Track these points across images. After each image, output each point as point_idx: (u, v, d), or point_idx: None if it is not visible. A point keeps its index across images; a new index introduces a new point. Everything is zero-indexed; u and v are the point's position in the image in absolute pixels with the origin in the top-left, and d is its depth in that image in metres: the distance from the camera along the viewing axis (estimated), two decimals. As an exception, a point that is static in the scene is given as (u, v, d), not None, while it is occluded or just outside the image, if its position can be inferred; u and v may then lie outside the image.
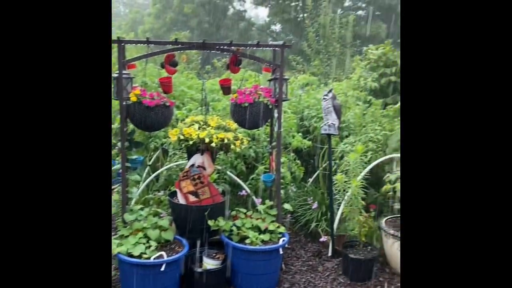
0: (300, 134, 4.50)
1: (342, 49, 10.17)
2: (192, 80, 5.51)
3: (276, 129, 3.42)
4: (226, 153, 3.57)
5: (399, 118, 4.67)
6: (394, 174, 3.20)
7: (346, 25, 10.55)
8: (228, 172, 3.89)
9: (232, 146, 3.27)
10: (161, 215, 3.32)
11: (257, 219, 3.30)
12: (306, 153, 4.68)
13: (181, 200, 3.33)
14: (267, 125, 3.78)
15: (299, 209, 4.07)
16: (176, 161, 3.99)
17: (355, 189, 3.25)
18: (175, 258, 2.84)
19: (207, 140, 3.18)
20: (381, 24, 17.86)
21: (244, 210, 3.40)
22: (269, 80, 3.51)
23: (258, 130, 4.09)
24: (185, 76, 5.73)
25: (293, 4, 20.68)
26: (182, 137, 3.27)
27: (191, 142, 3.22)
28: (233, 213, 3.41)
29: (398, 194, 3.17)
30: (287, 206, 3.69)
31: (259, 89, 3.36)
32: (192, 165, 3.33)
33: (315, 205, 3.91)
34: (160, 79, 3.35)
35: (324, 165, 4.29)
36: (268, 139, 3.84)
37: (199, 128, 3.30)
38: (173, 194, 3.45)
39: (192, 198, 3.31)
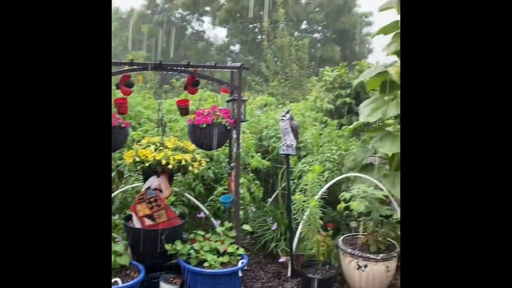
0: (259, 154, 4.53)
1: (299, 70, 10.44)
2: (149, 100, 5.43)
3: (234, 149, 3.43)
4: (183, 174, 3.52)
5: (354, 138, 4.83)
6: (349, 192, 3.27)
7: (303, 47, 10.87)
8: (186, 194, 3.83)
9: (190, 168, 3.23)
10: (116, 240, 3.20)
11: (216, 241, 3.25)
12: (265, 173, 4.70)
13: (136, 223, 3.23)
14: (226, 146, 3.78)
15: (258, 230, 4.05)
16: (131, 184, 3.88)
17: (313, 209, 3.30)
18: (130, 284, 2.73)
19: (163, 162, 3.13)
20: (335, 47, 18.59)
21: (203, 233, 3.34)
22: (228, 101, 3.53)
23: (217, 150, 4.08)
24: (142, 96, 5.63)
25: (251, 26, 21.10)
26: (138, 159, 3.19)
27: (147, 164, 3.15)
28: (191, 236, 3.34)
29: (354, 212, 3.24)
30: (246, 227, 3.68)
31: (217, 110, 3.37)
32: (148, 188, 3.25)
33: (274, 226, 3.92)
34: (115, 100, 3.28)
35: (283, 185, 4.32)
36: (227, 159, 3.83)
37: (155, 150, 3.24)
38: (129, 218, 3.34)
39: (148, 222, 3.22)
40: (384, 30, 4.02)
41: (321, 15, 20.01)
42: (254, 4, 20.45)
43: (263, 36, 13.43)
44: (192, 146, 3.41)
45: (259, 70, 12.45)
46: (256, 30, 20.86)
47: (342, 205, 3.25)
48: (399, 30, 3.92)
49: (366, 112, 3.94)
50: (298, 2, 21.09)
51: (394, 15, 3.98)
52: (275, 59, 11.09)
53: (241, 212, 3.75)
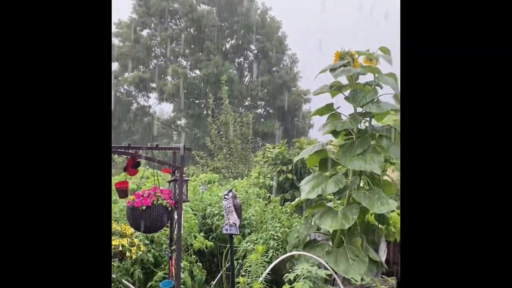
0: (202, 233, 4.41)
1: (243, 145, 10.68)
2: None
3: (176, 231, 3.33)
4: (121, 261, 3.31)
5: (297, 214, 4.89)
6: (293, 273, 3.24)
7: (247, 123, 11.24)
8: (123, 281, 3.57)
9: (128, 253, 3.06)
10: None
11: (154, 334, 3.01)
12: (209, 253, 4.56)
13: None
14: (167, 227, 3.66)
15: (201, 316, 3.82)
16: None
17: (257, 292, 3.20)
18: None
19: (99, 248, 2.94)
20: (276, 122, 19.49)
21: (140, 325, 3.09)
22: (169, 182, 3.50)
23: (158, 232, 3.92)
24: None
25: (197, 101, 21.66)
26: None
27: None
28: (127, 329, 3.07)
29: (299, 293, 3.18)
30: (188, 315, 3.46)
31: (158, 191, 3.30)
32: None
33: (218, 311, 3.72)
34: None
35: (227, 265, 4.19)
36: (168, 241, 3.69)
37: (90, 235, 3.06)
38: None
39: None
40: (320, 112, 4.30)
41: (262, 92, 21.11)
42: (200, 81, 21.24)
43: (209, 112, 13.82)
44: (130, 230, 3.27)
45: (204, 144, 12.57)
46: (202, 105, 21.41)
47: (286, 286, 3.18)
48: (333, 112, 4.22)
49: (306, 189, 4.04)
50: (241, 80, 22.20)
51: (328, 96, 4.31)
52: (220, 133, 11.32)
53: (182, 298, 3.55)
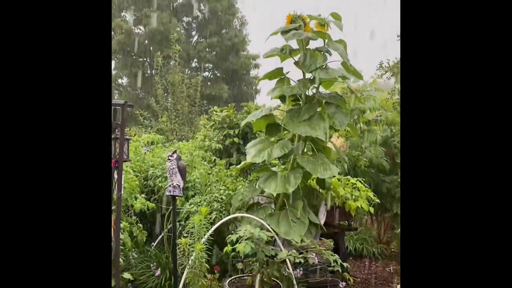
0: (144, 195, 4.30)
1: (189, 107, 10.43)
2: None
3: (116, 191, 3.19)
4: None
5: (242, 178, 4.90)
6: (236, 234, 3.26)
7: (196, 84, 10.94)
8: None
9: (62, 213, 2.90)
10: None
11: (91, 295, 2.92)
12: (150, 214, 4.47)
13: None
14: (106, 187, 3.51)
15: (141, 277, 3.78)
16: None
17: (199, 253, 3.20)
18: None
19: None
20: (224, 86, 19.23)
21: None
22: (109, 140, 3.31)
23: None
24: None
25: (141, 59, 20.71)
26: None
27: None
28: None
29: (240, 253, 3.23)
30: (126, 275, 3.40)
31: (97, 149, 3.12)
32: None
33: (158, 272, 3.70)
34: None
35: (169, 227, 4.15)
36: (107, 202, 3.55)
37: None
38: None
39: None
40: (269, 76, 4.25)
41: (210, 54, 20.58)
42: (145, 38, 20.22)
43: (154, 71, 13.25)
44: (66, 189, 3.08)
45: (148, 104, 12.13)
46: (146, 64, 20.52)
47: (228, 247, 3.21)
48: (282, 76, 4.19)
49: (252, 153, 4.04)
50: (188, 40, 21.45)
51: (278, 62, 4.26)
52: (166, 95, 10.93)
53: (121, 260, 3.47)
